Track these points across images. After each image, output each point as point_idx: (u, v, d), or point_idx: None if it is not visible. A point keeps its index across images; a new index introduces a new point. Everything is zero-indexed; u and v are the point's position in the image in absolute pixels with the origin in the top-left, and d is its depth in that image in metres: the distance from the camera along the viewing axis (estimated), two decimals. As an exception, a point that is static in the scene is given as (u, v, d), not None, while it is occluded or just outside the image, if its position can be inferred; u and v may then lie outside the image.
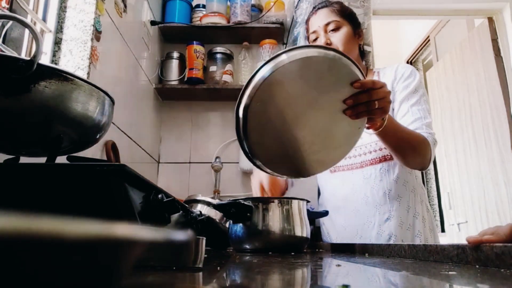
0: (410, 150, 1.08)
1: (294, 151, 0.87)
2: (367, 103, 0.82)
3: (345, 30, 1.20)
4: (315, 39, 1.23)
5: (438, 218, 3.29)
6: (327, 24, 1.20)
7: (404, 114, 1.15)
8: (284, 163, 0.90)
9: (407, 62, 3.70)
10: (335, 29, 1.19)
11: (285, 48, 1.95)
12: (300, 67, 0.76)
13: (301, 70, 0.77)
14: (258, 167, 0.89)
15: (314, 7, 1.29)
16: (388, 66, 1.27)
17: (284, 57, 0.76)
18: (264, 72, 0.76)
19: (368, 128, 0.94)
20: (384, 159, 1.19)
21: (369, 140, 1.20)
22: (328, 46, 0.81)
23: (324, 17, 1.22)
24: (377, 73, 1.27)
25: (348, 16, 1.23)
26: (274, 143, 0.85)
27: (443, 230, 3.09)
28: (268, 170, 0.90)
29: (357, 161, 1.22)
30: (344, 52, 1.19)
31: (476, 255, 0.46)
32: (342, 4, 1.27)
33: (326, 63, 0.78)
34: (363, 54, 1.32)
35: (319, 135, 0.86)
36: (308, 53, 0.77)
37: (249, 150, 0.83)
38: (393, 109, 1.19)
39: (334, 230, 1.28)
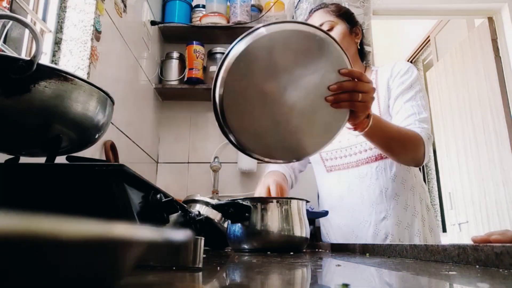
0: (400, 148, 1.07)
1: (271, 134, 0.81)
2: (351, 93, 0.79)
3: (339, 29, 1.21)
4: None
5: (439, 218, 3.29)
6: (321, 25, 1.21)
7: (398, 111, 1.15)
8: (262, 144, 0.83)
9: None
10: (329, 29, 1.20)
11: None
12: (289, 40, 0.73)
13: (288, 43, 0.72)
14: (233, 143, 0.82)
15: (311, 10, 1.30)
16: (386, 64, 1.27)
17: (275, 27, 0.72)
18: (250, 39, 0.72)
19: (354, 129, 0.91)
20: (380, 157, 1.18)
21: (364, 139, 1.19)
22: (322, 28, 0.77)
23: (318, 18, 1.23)
24: (375, 71, 1.27)
25: (343, 15, 1.23)
26: (252, 122, 0.79)
27: (444, 230, 3.09)
28: (244, 148, 0.83)
29: (353, 159, 1.22)
30: None
31: (477, 255, 0.46)
32: (338, 4, 1.28)
33: (317, 43, 0.74)
34: (362, 53, 1.32)
35: (297, 118, 0.79)
36: (300, 28, 0.74)
37: (231, 133, 0.78)
38: (388, 106, 1.19)
39: (331, 230, 1.29)
